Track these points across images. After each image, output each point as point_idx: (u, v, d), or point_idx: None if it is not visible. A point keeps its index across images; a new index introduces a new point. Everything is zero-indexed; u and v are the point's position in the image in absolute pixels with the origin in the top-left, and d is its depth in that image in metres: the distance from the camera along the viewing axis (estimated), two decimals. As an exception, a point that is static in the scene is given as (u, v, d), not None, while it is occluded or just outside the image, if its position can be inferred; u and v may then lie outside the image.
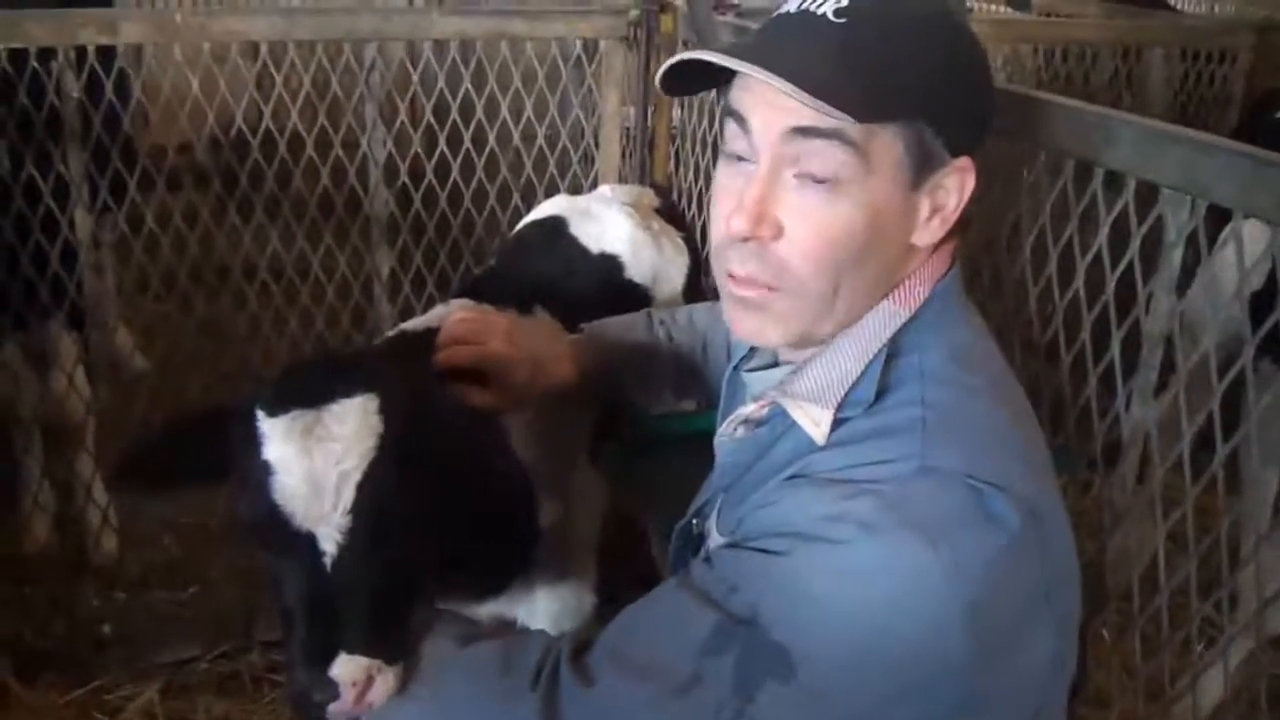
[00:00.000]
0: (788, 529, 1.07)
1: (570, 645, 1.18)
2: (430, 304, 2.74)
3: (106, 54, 2.35)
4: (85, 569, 2.81)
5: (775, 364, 1.30)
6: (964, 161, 1.13)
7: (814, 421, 1.13)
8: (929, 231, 1.15)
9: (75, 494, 2.81)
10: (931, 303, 1.17)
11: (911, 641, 1.03)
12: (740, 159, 1.15)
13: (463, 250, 2.79)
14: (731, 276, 1.17)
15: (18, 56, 2.21)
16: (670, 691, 1.08)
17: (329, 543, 1.17)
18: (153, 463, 1.31)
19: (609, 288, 2.14)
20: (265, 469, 1.17)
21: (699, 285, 2.30)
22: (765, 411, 1.22)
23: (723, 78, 1.14)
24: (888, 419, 1.11)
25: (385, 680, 1.19)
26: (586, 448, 1.86)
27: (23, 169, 2.30)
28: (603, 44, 2.69)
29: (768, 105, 1.10)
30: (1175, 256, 1.42)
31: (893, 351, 1.15)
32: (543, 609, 1.80)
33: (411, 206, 2.71)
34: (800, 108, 1.06)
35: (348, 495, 1.17)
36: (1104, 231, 1.50)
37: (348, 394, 1.21)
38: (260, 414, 1.19)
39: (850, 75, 1.06)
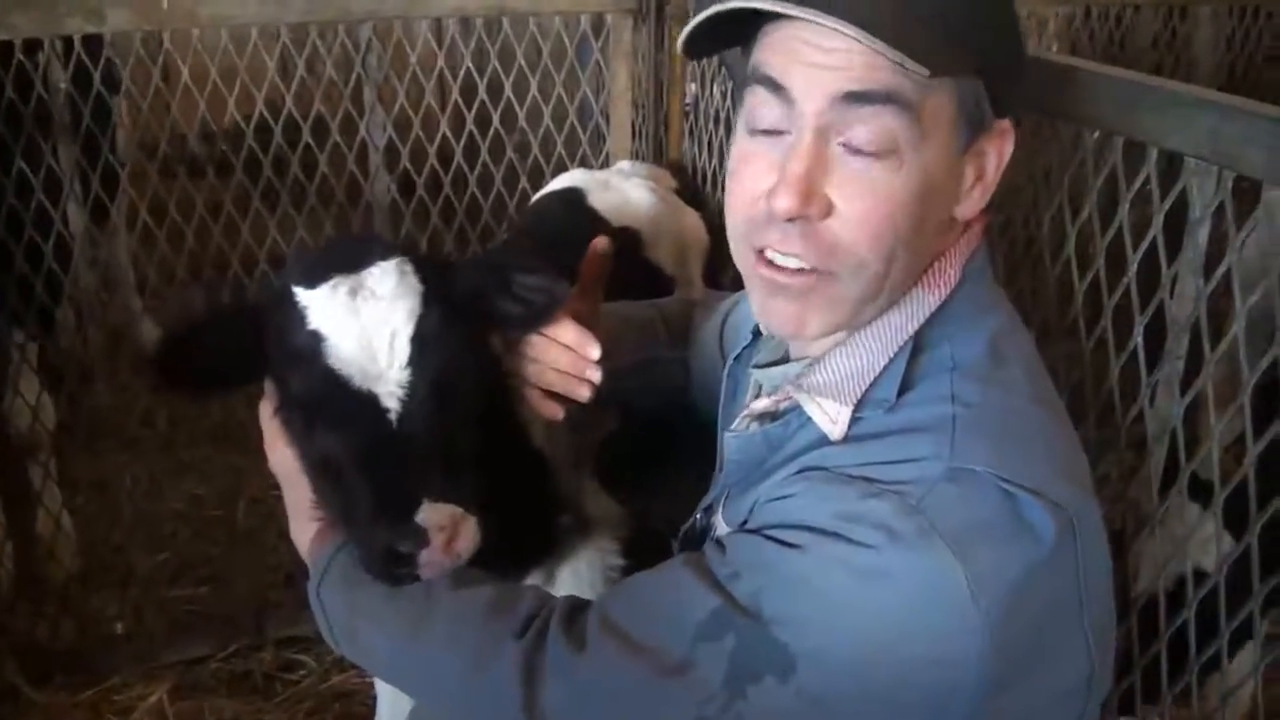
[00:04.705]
0: (802, 523, 0.99)
1: (566, 604, 1.13)
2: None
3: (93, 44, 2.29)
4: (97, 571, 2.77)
5: (785, 359, 1.20)
6: (1006, 124, 1.04)
7: (831, 418, 1.04)
8: (971, 202, 1.05)
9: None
10: (963, 286, 1.06)
11: (924, 656, 0.94)
12: (770, 132, 1.02)
13: (469, 236, 2.70)
14: (769, 262, 1.05)
15: (3, 49, 2.15)
16: (659, 672, 1.01)
17: (391, 399, 1.16)
18: (185, 368, 1.28)
19: (627, 265, 2.04)
20: (314, 340, 1.17)
21: (717, 270, 2.19)
22: (780, 406, 1.13)
23: (741, 37, 1.03)
24: (914, 415, 1.02)
25: (470, 528, 1.16)
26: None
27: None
28: (609, 18, 2.58)
29: (811, 67, 0.97)
30: (1201, 234, 1.28)
31: (920, 343, 1.05)
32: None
33: (414, 192, 2.62)
34: (850, 69, 0.95)
35: (402, 350, 1.17)
36: (1124, 207, 1.37)
37: (382, 257, 1.22)
38: (298, 289, 1.19)
39: (917, 20, 0.94)
